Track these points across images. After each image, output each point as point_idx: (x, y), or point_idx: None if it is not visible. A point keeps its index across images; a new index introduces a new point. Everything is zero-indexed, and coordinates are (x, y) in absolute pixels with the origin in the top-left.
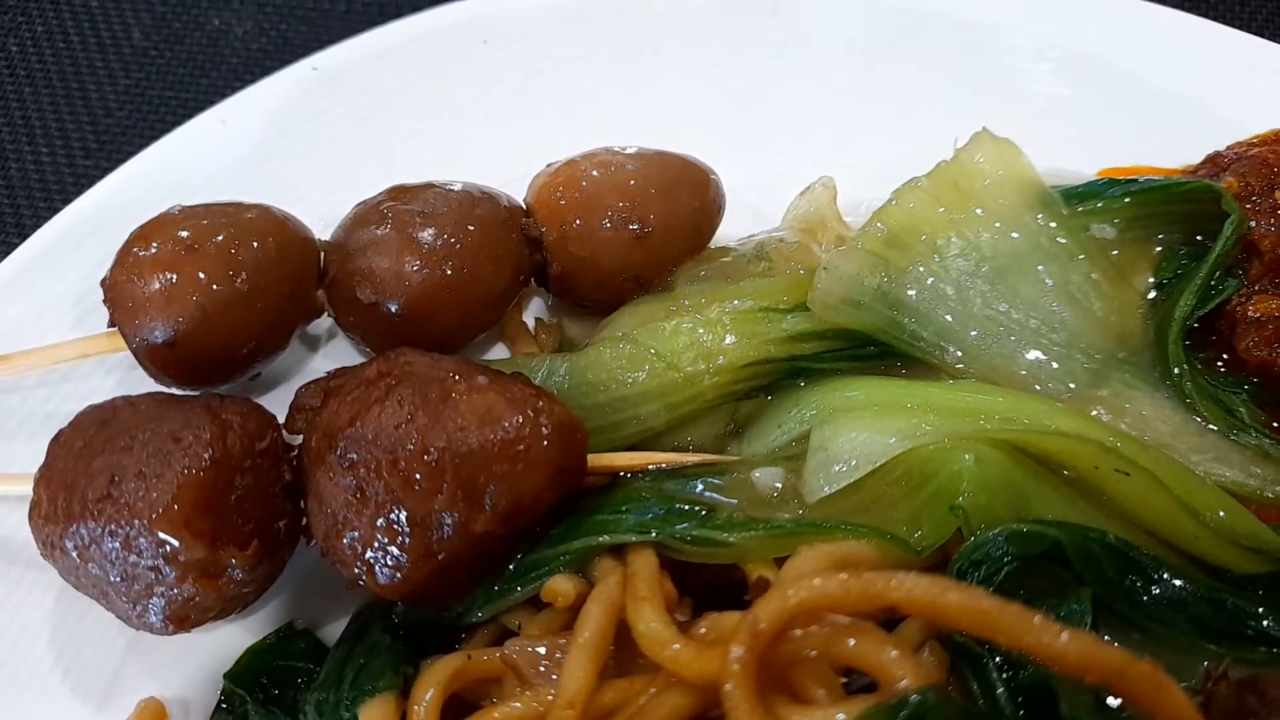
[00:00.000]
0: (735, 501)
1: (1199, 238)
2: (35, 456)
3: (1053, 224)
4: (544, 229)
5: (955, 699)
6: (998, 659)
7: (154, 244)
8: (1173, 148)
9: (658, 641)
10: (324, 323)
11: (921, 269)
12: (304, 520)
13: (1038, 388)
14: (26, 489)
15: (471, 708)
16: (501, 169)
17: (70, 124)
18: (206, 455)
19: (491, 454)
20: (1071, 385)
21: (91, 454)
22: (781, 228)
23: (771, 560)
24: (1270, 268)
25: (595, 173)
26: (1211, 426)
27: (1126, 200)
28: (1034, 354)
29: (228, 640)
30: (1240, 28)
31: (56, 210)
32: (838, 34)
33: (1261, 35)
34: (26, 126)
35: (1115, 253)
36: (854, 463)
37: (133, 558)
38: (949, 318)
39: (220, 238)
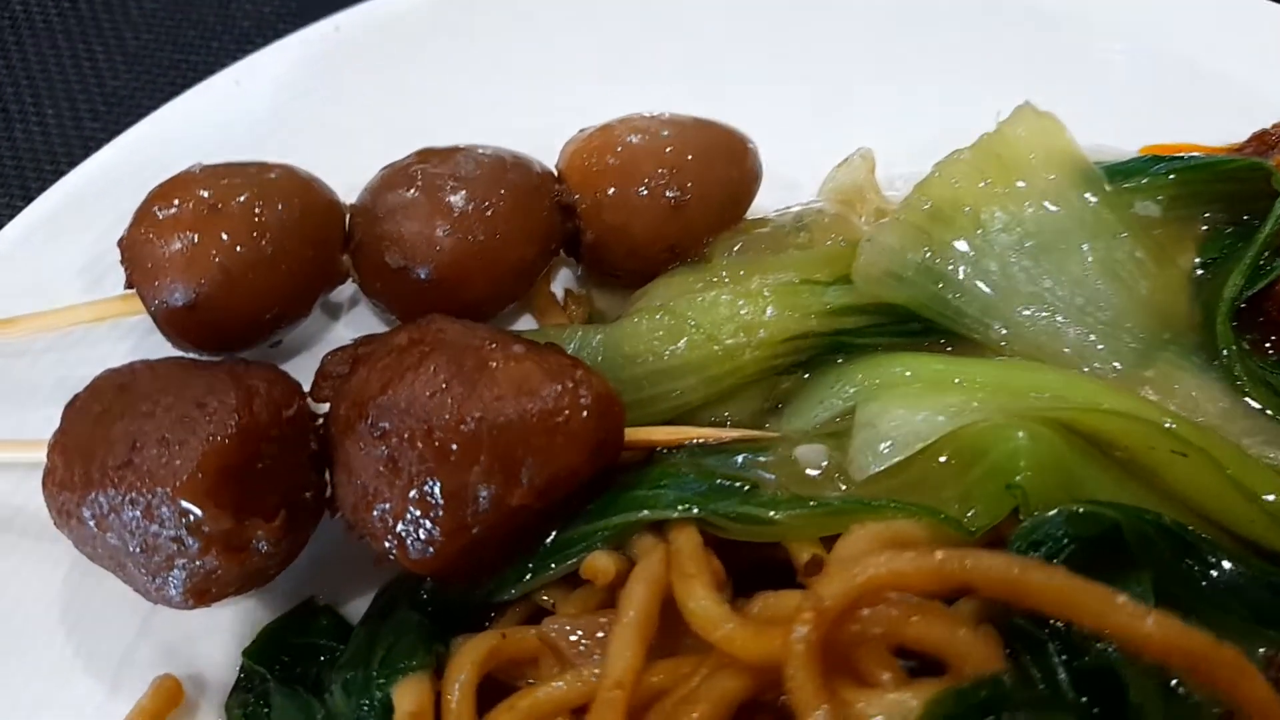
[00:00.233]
0: (777, 478)
1: (1245, 217)
2: (47, 423)
3: (1096, 200)
4: (577, 196)
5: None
6: (1058, 643)
7: (175, 202)
8: (1217, 125)
9: (711, 621)
10: (345, 290)
11: (965, 243)
12: (329, 492)
13: (1085, 368)
14: (39, 456)
15: (504, 688)
16: (531, 135)
17: (77, 87)
18: (232, 422)
19: (529, 425)
20: (1117, 365)
21: (110, 419)
22: (819, 199)
23: (817, 540)
24: None
25: (631, 138)
26: (1261, 409)
27: (1171, 178)
28: (1079, 332)
29: (245, 616)
30: None
31: (64, 175)
32: (876, 4)
33: None
34: (32, 89)
35: (1159, 231)
36: (904, 440)
37: (154, 528)
38: (993, 293)
39: (244, 198)
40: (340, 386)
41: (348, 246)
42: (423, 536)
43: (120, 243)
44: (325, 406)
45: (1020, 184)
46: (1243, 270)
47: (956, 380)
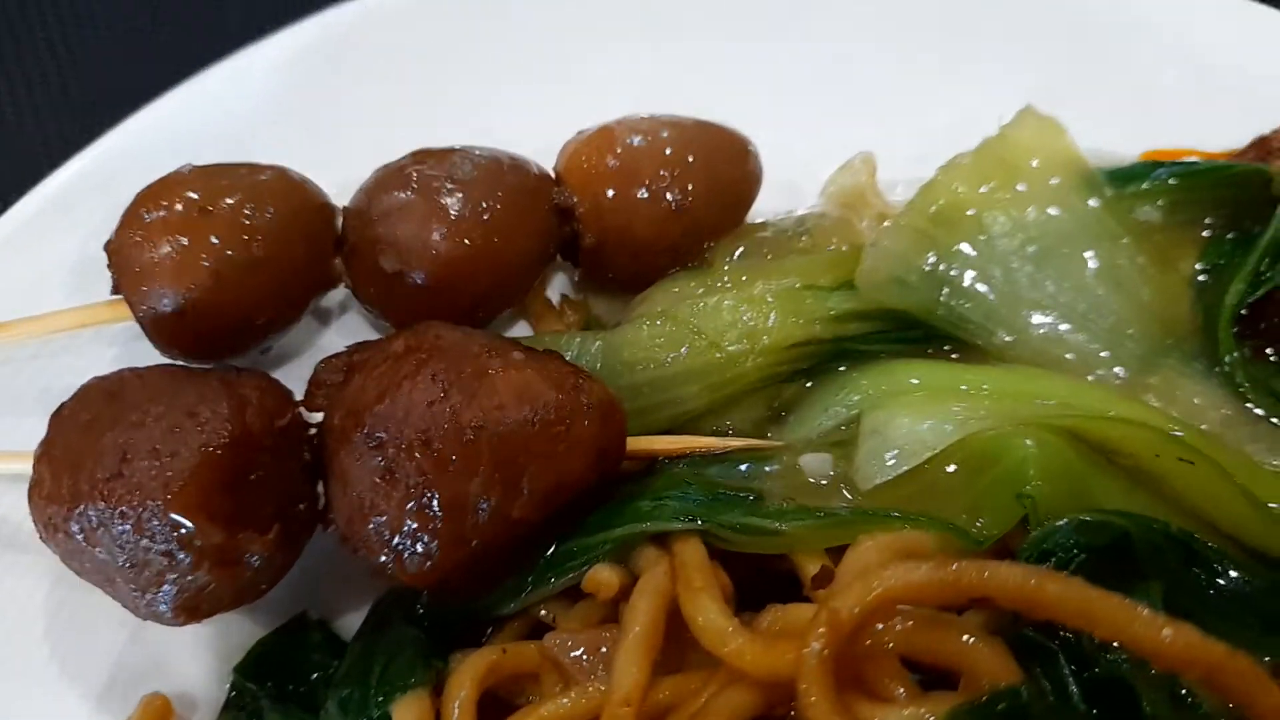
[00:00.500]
0: (782, 488)
1: (1246, 223)
2: (30, 433)
3: (1098, 205)
4: (576, 198)
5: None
6: (1068, 654)
7: (163, 205)
8: (1218, 131)
9: (720, 635)
10: (335, 296)
11: (968, 248)
12: (322, 504)
13: (1089, 375)
14: (24, 467)
15: (505, 704)
16: (527, 136)
17: (58, 87)
18: (225, 432)
19: (529, 434)
20: (1120, 371)
21: (99, 430)
22: (820, 203)
23: (824, 551)
24: None
25: (631, 139)
26: (1264, 415)
27: (1172, 183)
28: (1082, 338)
29: (236, 631)
30: None
31: (44, 176)
32: (875, 7)
33: None
34: (10, 90)
35: (1160, 236)
36: (911, 449)
37: (144, 542)
38: (996, 299)
39: (234, 200)
40: (334, 395)
41: (340, 250)
42: (420, 550)
43: (107, 246)
44: (319, 416)
45: (1022, 188)
46: (1244, 277)
47: (963, 388)
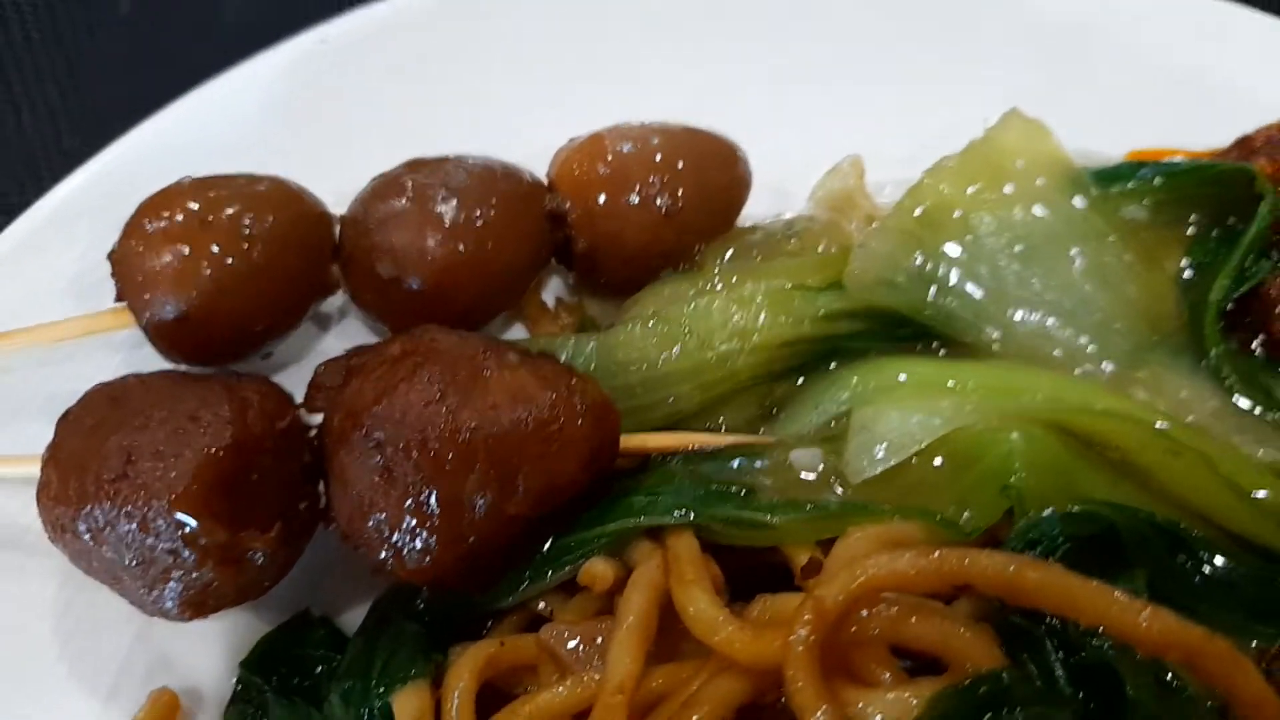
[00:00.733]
0: (773, 483)
1: (1230, 220)
2: (37, 438)
3: (1084, 205)
4: (568, 204)
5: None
6: (1054, 641)
7: (164, 216)
8: (1202, 130)
9: (710, 625)
10: (334, 301)
11: (955, 247)
12: (323, 503)
13: (1077, 370)
14: (31, 470)
15: (504, 696)
16: (520, 145)
17: (56, 101)
18: (227, 434)
19: (524, 434)
20: (1108, 366)
21: (104, 433)
22: (809, 207)
23: (814, 543)
24: None
25: (622, 146)
26: (1250, 407)
27: (1157, 182)
28: (1070, 334)
29: (241, 628)
30: (1269, 10)
31: (45, 190)
32: (862, 13)
33: None
34: (11, 102)
35: (1146, 235)
36: (899, 443)
37: (149, 540)
38: (984, 297)
39: (233, 210)
40: (334, 397)
41: (338, 257)
42: (419, 546)
43: (110, 256)
44: (318, 418)
45: (1009, 189)
46: (1228, 273)
47: (950, 383)
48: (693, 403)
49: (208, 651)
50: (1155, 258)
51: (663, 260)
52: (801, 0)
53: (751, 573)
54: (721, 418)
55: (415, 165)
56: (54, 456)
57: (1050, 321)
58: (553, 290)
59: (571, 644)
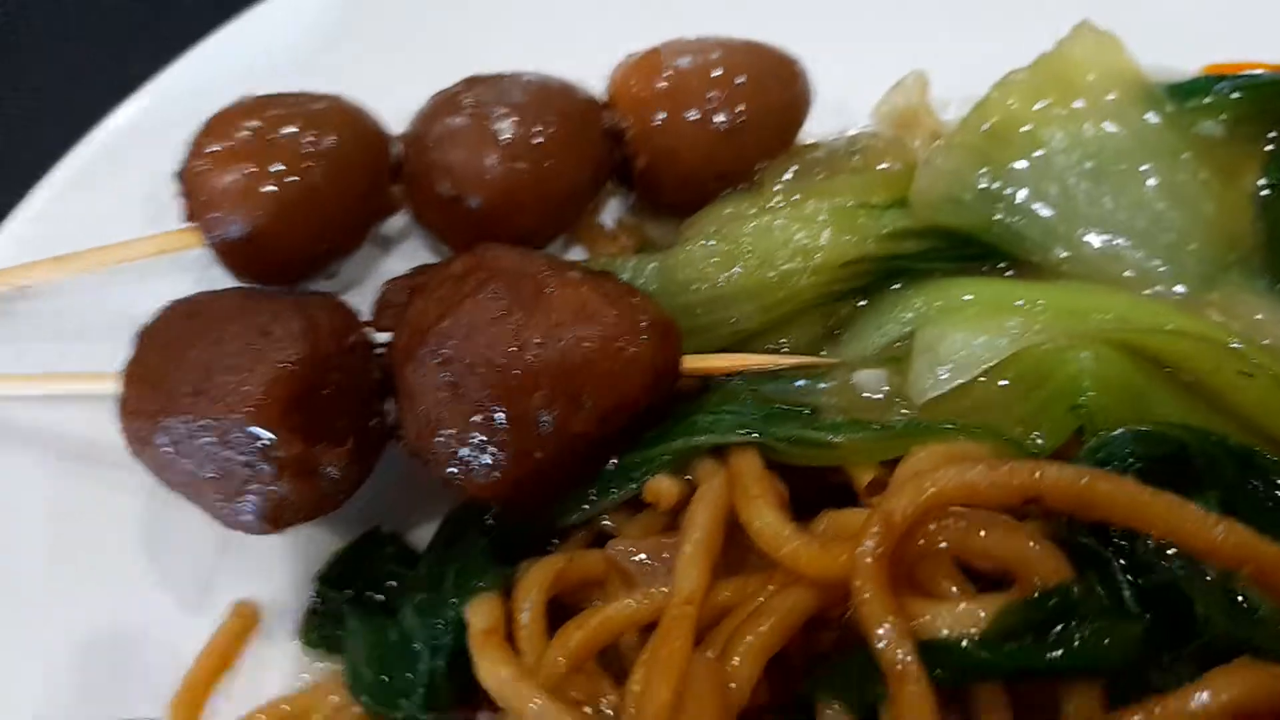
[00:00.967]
0: (836, 403)
1: None
2: (112, 356)
3: (1158, 120)
4: (627, 122)
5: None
6: (1123, 562)
7: (228, 134)
8: None
9: (777, 538)
10: (395, 223)
11: (1024, 165)
12: (392, 420)
13: (1146, 291)
14: (110, 387)
15: (572, 611)
16: (578, 61)
17: (115, 22)
18: (298, 350)
19: (588, 351)
20: (1180, 288)
21: (181, 348)
22: (871, 124)
23: (878, 464)
24: None
25: (680, 61)
26: None
27: (1235, 96)
28: (1141, 255)
29: (315, 543)
30: None
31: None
32: None
33: None
34: (64, 24)
35: (1222, 151)
36: (964, 363)
37: (227, 453)
38: (1053, 216)
39: (294, 128)
40: (400, 315)
41: (398, 176)
42: (487, 462)
43: (177, 175)
44: (386, 336)
45: (1079, 104)
46: None
47: (1018, 303)
48: (755, 323)
49: (285, 566)
50: (1231, 175)
51: (723, 178)
52: None
53: (815, 493)
54: (784, 338)
55: (473, 82)
56: (133, 371)
57: (1121, 241)
58: (611, 213)
59: (638, 559)
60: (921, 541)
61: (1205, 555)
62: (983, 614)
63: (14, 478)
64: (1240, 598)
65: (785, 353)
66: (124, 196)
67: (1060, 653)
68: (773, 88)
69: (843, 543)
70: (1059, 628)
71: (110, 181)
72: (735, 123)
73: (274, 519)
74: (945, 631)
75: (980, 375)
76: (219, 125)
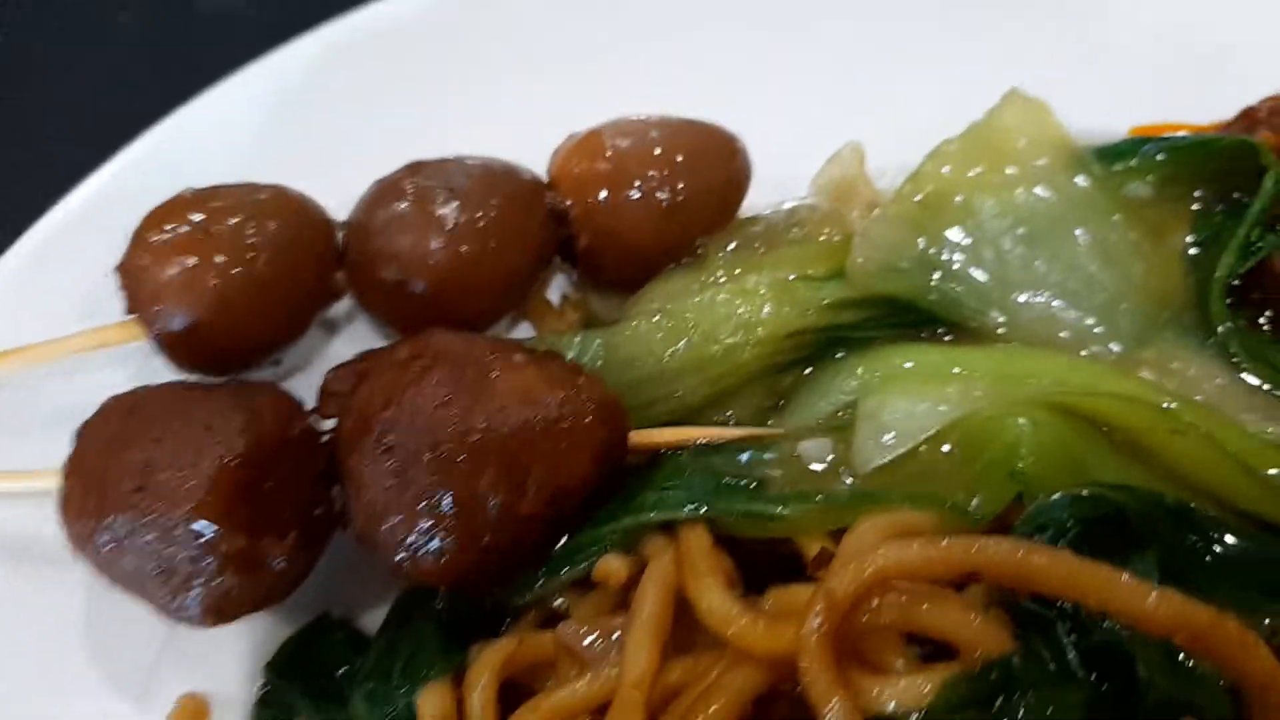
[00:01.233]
0: (783, 474)
1: (1235, 195)
2: (51, 452)
3: (1087, 184)
4: (569, 202)
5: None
6: (1066, 623)
7: (169, 228)
8: (1205, 104)
9: (724, 618)
10: (340, 307)
11: (959, 232)
12: (339, 507)
13: (1084, 351)
14: (50, 484)
15: (524, 692)
16: (518, 143)
17: (61, 114)
18: (240, 443)
19: (534, 434)
20: (1115, 347)
21: (122, 445)
22: (809, 196)
23: (826, 533)
24: None
25: (620, 141)
26: (1260, 384)
27: (1161, 158)
28: (1076, 315)
29: (263, 632)
30: None
31: (49, 204)
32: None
33: None
34: (19, 116)
35: (1151, 211)
36: (906, 431)
37: (170, 549)
38: (989, 281)
39: (237, 219)
40: (345, 402)
41: (342, 262)
42: (435, 548)
43: (118, 269)
44: (331, 423)
45: (1010, 170)
46: (1234, 249)
47: (956, 370)
48: (700, 396)
49: (233, 655)
50: (1160, 235)
51: (665, 255)
52: None
53: (764, 564)
54: (730, 410)
55: (415, 168)
56: (74, 469)
57: (1055, 303)
58: (557, 288)
59: (589, 640)
60: (866, 617)
61: (1140, 624)
62: (927, 689)
63: None
64: (1182, 655)
65: (732, 425)
66: (62, 292)
67: None
68: (712, 164)
69: (789, 620)
70: (1001, 699)
71: (47, 278)
72: (676, 200)
73: (219, 612)
74: (891, 706)
75: (922, 443)
76: (158, 218)
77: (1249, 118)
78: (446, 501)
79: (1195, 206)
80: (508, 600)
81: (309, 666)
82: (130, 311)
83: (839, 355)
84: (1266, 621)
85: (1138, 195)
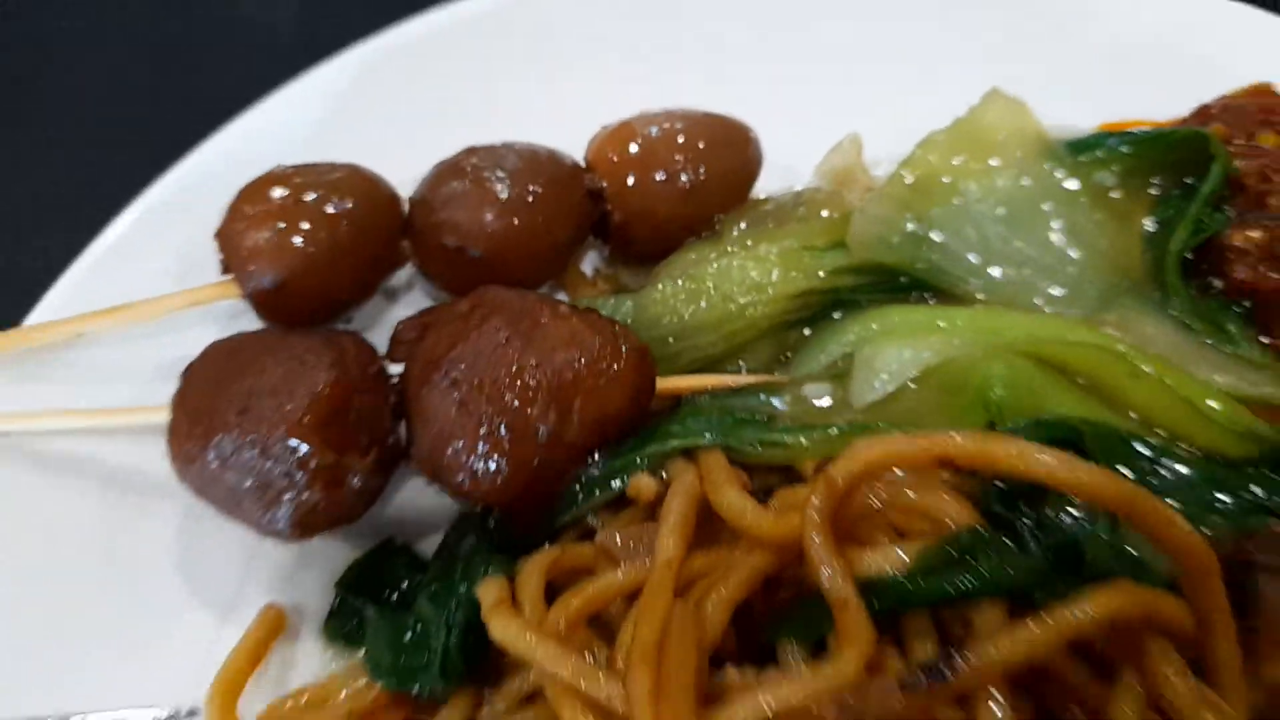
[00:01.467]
0: (789, 412)
1: (1189, 180)
2: (155, 397)
3: (1059, 172)
4: (604, 183)
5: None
6: (1028, 522)
7: (263, 199)
8: (1169, 102)
9: (740, 511)
10: (400, 277)
11: (944, 211)
12: (404, 442)
13: (1051, 311)
14: (156, 419)
15: None
16: (560, 132)
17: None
18: (330, 375)
19: (578, 372)
20: (1080, 312)
21: (225, 379)
22: (814, 181)
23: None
24: (1253, 201)
25: (649, 131)
26: (1207, 341)
27: (1124, 150)
28: (1047, 284)
29: (334, 556)
30: None
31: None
32: (861, 10)
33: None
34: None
35: (1116, 196)
36: (896, 372)
37: (268, 464)
38: (971, 254)
39: (319, 193)
40: (412, 349)
41: (407, 232)
42: (492, 469)
43: (217, 234)
44: (399, 368)
45: (991, 160)
46: (1187, 226)
47: (940, 324)
48: (717, 349)
49: (308, 575)
50: (1123, 217)
51: (687, 229)
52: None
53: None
54: (743, 361)
55: (471, 151)
56: (181, 402)
57: (1029, 274)
58: (589, 263)
59: (624, 543)
60: (859, 502)
61: (1078, 493)
62: (907, 554)
63: (71, 500)
64: (1127, 548)
65: (744, 374)
66: (160, 257)
67: (970, 578)
68: (729, 152)
69: (795, 511)
70: (967, 558)
71: (147, 245)
72: (697, 182)
73: (305, 526)
74: (878, 569)
75: (910, 382)
76: (252, 192)
77: (1203, 114)
78: (503, 428)
79: (1154, 192)
80: (551, 521)
81: (376, 583)
82: (226, 272)
83: (837, 316)
84: (1205, 530)
85: (1103, 182)
